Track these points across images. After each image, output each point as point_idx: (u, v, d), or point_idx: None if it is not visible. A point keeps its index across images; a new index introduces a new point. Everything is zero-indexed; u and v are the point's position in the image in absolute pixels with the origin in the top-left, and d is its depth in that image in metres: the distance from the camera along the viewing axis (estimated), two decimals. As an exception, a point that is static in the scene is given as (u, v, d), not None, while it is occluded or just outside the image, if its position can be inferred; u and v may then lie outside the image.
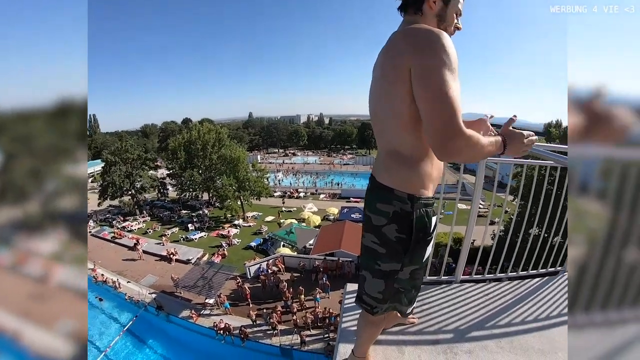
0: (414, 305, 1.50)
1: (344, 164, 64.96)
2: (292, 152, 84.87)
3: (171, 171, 35.21)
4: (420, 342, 1.88)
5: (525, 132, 1.17)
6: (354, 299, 1.55)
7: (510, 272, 2.72)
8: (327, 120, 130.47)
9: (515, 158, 2.51)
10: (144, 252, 22.45)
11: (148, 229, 28.11)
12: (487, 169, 2.49)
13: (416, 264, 1.27)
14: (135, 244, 23.12)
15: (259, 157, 68.69)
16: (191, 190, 33.11)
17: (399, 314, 1.69)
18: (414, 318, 2.04)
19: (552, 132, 20.06)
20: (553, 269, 2.76)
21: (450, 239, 2.97)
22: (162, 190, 38.36)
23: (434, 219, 1.25)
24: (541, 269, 2.76)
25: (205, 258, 21.96)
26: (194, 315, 14.98)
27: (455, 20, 1.18)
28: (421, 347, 1.85)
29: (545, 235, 2.73)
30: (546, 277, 2.63)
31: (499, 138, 1.13)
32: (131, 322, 15.49)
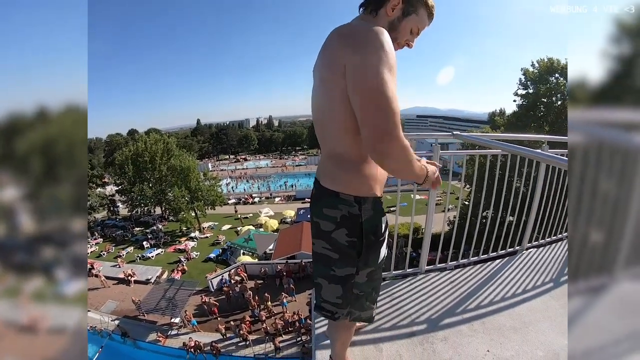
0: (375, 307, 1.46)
1: (297, 165, 64.91)
2: (243, 157, 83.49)
3: (120, 187, 33.15)
4: (397, 337, 1.88)
5: (436, 167, 1.23)
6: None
7: (472, 256, 2.82)
8: (276, 123, 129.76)
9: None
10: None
11: (102, 251, 26.12)
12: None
13: (372, 265, 1.23)
14: (90, 269, 21.35)
15: (210, 165, 66.66)
16: (142, 205, 31.40)
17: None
18: None
19: (496, 121, 21.47)
20: (512, 249, 2.90)
21: (411, 231, 3.02)
22: (112, 209, 36.03)
23: (384, 219, 1.22)
24: (500, 250, 2.89)
25: (164, 276, 20.88)
26: (161, 338, 14.19)
27: (408, 37, 1.16)
28: (398, 341, 1.85)
29: (501, 217, 2.87)
30: (506, 258, 2.75)
31: (424, 167, 1.15)
32: (97, 354, 14.25)
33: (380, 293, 2.29)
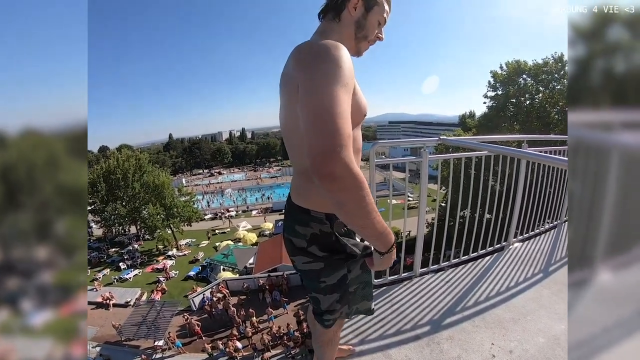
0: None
1: (272, 177, 64.96)
2: (217, 171, 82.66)
3: (93, 206, 31.76)
4: (403, 342, 1.92)
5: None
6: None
7: (462, 255, 2.90)
8: (249, 135, 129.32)
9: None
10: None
11: (77, 275, 24.84)
12: (411, 163, 2.63)
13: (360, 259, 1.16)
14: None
15: (184, 180, 65.29)
16: (117, 224, 30.17)
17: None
18: (348, 346, 1.92)
19: (468, 123, 22.23)
20: (499, 245, 3.01)
21: (404, 239, 3.07)
22: (84, 231, 34.54)
23: (358, 239, 1.17)
24: (488, 247, 2.99)
25: (144, 297, 20.11)
26: (147, 363, 13.52)
27: (377, 30, 1.11)
28: (405, 346, 1.88)
29: (488, 216, 2.98)
30: (495, 254, 2.86)
31: (388, 229, 0.96)
32: (81, 385, 13.38)
33: (380, 299, 2.34)
